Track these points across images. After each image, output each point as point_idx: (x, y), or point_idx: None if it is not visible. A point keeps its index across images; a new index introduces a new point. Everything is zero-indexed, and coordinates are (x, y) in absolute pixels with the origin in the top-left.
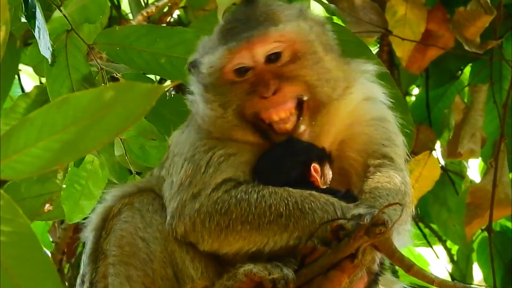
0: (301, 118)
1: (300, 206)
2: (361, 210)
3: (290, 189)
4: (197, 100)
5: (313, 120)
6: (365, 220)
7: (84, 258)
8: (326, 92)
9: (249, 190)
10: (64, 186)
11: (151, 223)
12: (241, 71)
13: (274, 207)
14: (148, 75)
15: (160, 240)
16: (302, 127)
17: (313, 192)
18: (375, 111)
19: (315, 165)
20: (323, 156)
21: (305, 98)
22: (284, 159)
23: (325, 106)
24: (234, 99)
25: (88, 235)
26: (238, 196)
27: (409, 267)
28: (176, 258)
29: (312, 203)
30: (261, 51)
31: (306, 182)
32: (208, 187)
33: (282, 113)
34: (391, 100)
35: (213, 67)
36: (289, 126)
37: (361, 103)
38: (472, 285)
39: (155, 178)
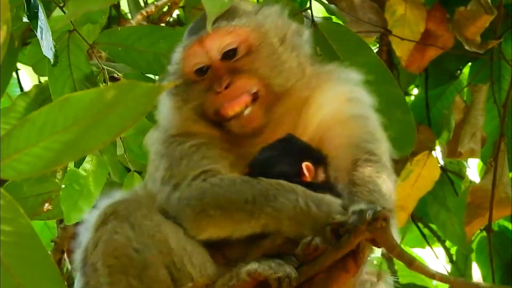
0: (253, 106)
1: (265, 193)
2: (362, 205)
3: (264, 178)
4: (162, 98)
5: (270, 112)
6: (368, 215)
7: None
8: (279, 82)
9: (224, 178)
10: (63, 186)
11: (141, 230)
12: (202, 70)
13: (242, 193)
14: (148, 75)
15: (154, 245)
16: (252, 113)
17: (282, 181)
18: (356, 110)
19: (308, 164)
20: (319, 158)
21: (257, 90)
22: (278, 155)
23: (280, 97)
24: (195, 97)
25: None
26: (213, 181)
27: (410, 262)
28: (174, 259)
29: (276, 190)
30: (214, 46)
31: (297, 179)
32: (187, 178)
33: (236, 107)
34: (393, 99)
35: (174, 66)
36: (240, 114)
37: (342, 103)
38: (472, 282)
39: (141, 188)
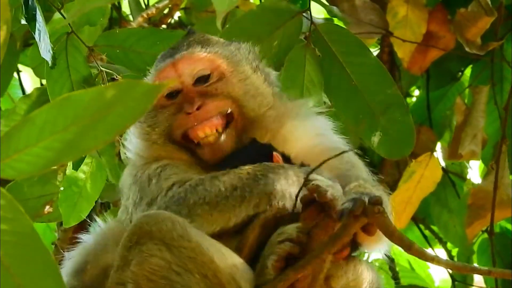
0: (224, 132)
1: (252, 176)
2: (356, 195)
3: (243, 166)
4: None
5: (240, 139)
6: (363, 198)
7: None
8: (252, 106)
9: (202, 177)
10: (62, 188)
11: (181, 254)
12: (172, 95)
13: (228, 183)
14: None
15: (194, 267)
16: (223, 138)
17: (265, 163)
18: (330, 143)
19: (277, 154)
20: (283, 155)
21: (229, 111)
22: (246, 151)
23: (252, 122)
24: (162, 121)
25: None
26: (193, 183)
27: (409, 246)
28: (212, 270)
29: (264, 170)
30: (187, 71)
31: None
32: (161, 192)
33: (207, 129)
34: (392, 100)
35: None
36: (211, 138)
37: (314, 137)
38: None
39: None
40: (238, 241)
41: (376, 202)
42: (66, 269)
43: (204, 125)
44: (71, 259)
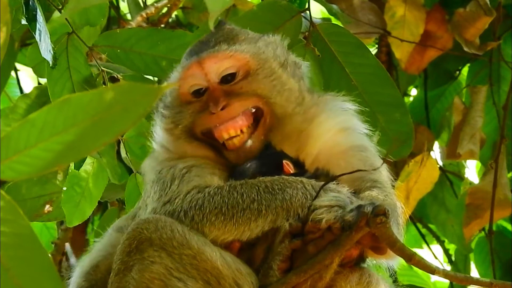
0: (252, 135)
1: (270, 189)
2: (361, 201)
3: (261, 177)
4: (156, 123)
5: (267, 137)
6: (366, 209)
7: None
8: (280, 103)
9: (221, 186)
10: (64, 188)
11: (182, 260)
12: (198, 92)
13: (245, 195)
14: (147, 76)
15: (196, 274)
16: (250, 143)
17: (283, 176)
18: (354, 141)
19: (287, 162)
20: (296, 162)
21: (256, 108)
22: (258, 159)
23: (280, 120)
24: (186, 117)
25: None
26: (211, 192)
27: (410, 257)
28: (214, 276)
29: (281, 184)
30: (212, 69)
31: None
32: (180, 195)
33: (231, 129)
34: (392, 100)
35: (173, 92)
36: (236, 141)
37: (337, 133)
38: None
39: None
40: (250, 253)
41: (379, 212)
42: (78, 271)
43: (228, 126)
44: (83, 261)
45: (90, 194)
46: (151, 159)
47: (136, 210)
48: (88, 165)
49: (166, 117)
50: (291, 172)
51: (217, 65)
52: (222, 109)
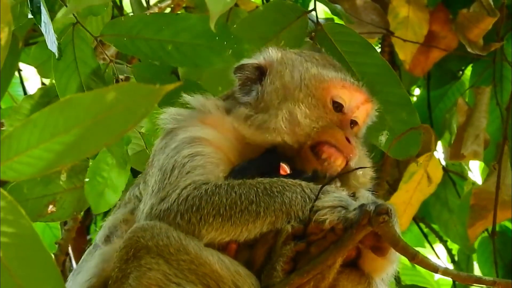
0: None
1: (269, 192)
2: (363, 201)
3: (260, 178)
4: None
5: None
6: (369, 208)
7: None
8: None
9: (219, 184)
10: (86, 179)
11: (180, 266)
12: (338, 104)
13: (244, 196)
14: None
15: (195, 278)
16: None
17: (282, 178)
18: None
19: (283, 165)
20: (296, 170)
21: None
22: (256, 160)
23: None
24: (321, 117)
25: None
26: (209, 190)
27: (413, 255)
28: (213, 279)
29: (280, 187)
30: (365, 109)
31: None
32: (176, 189)
33: (341, 160)
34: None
35: (319, 82)
36: (332, 166)
37: None
38: (474, 275)
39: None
40: (249, 254)
41: (381, 211)
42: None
43: (342, 157)
44: (81, 267)
45: (113, 184)
46: (167, 139)
47: (125, 210)
48: (109, 157)
49: (299, 102)
50: (287, 171)
51: (369, 107)
52: (348, 140)
